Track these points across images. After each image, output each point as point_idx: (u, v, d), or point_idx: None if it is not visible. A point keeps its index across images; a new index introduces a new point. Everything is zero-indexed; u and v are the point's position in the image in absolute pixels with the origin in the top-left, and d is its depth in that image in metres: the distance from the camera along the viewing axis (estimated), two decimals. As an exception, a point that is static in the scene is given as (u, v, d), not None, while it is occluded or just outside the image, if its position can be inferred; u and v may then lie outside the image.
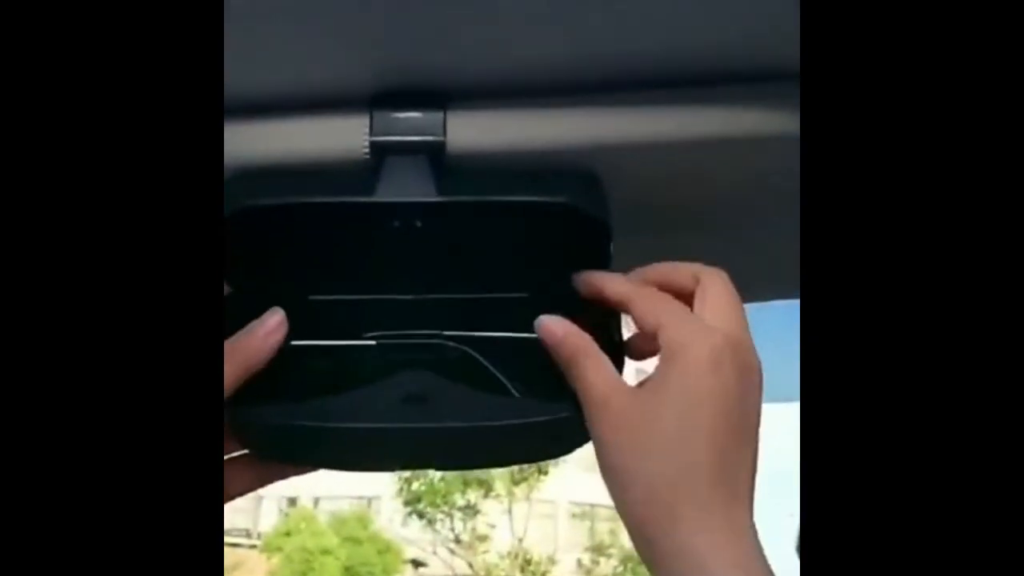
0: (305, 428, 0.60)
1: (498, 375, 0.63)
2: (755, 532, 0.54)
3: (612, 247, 0.65)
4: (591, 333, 0.61)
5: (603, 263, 0.65)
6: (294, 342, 0.62)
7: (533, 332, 0.62)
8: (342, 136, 0.61)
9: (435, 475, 24.50)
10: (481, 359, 0.63)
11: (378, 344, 0.64)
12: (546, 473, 25.54)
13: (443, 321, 0.65)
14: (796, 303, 0.52)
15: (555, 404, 0.60)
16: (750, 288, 0.88)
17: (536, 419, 0.60)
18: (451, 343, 0.64)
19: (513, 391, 0.62)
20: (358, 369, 0.63)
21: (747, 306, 0.58)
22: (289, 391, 0.61)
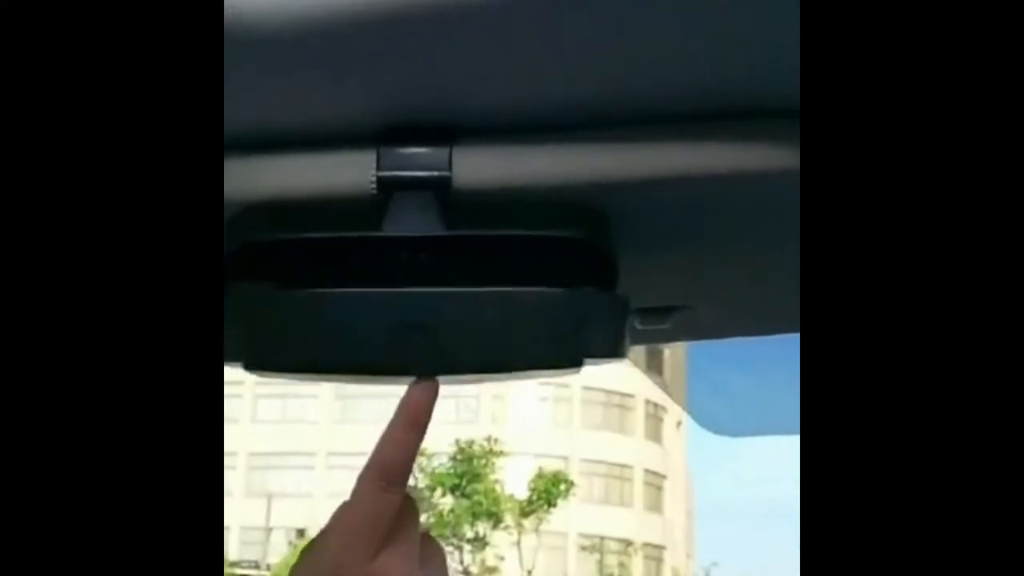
0: (299, 296, 0.62)
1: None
2: None
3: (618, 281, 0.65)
4: None
5: (609, 296, 0.66)
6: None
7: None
8: (349, 172, 0.62)
9: (444, 507, 24.39)
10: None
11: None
12: (555, 505, 25.40)
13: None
14: (796, 336, 0.52)
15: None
16: (756, 321, 0.89)
17: (537, 288, 0.62)
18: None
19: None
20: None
21: (748, 339, 0.59)
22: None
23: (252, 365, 0.64)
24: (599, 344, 0.65)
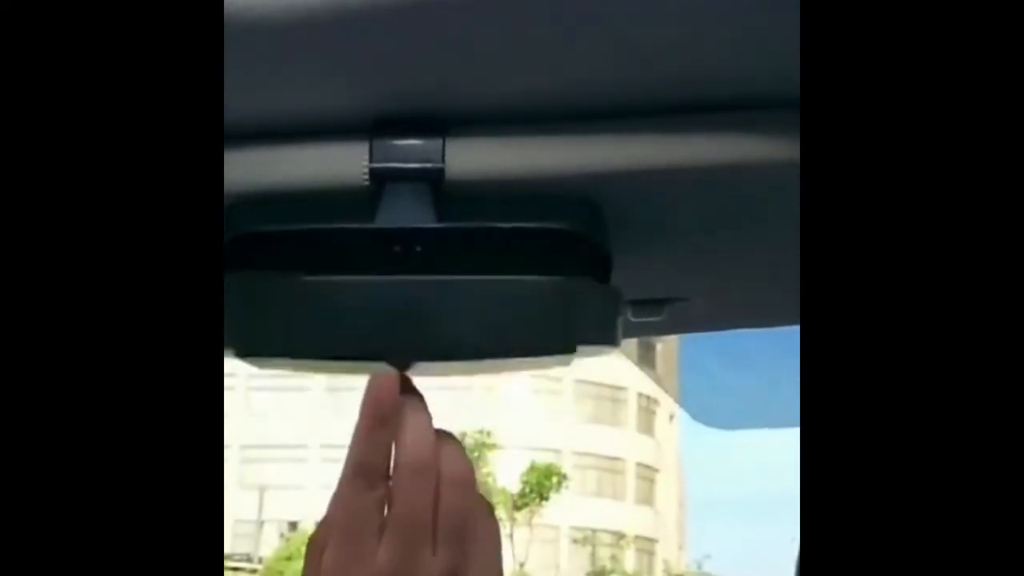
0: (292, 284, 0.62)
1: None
2: None
3: (611, 273, 0.65)
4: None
5: (603, 289, 0.65)
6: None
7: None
8: (342, 163, 0.61)
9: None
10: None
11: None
12: (547, 499, 25.48)
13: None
14: (796, 329, 0.52)
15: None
16: (750, 314, 0.89)
17: (531, 277, 0.62)
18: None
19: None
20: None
21: (747, 331, 0.59)
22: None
23: (242, 353, 0.64)
24: (592, 331, 0.65)
